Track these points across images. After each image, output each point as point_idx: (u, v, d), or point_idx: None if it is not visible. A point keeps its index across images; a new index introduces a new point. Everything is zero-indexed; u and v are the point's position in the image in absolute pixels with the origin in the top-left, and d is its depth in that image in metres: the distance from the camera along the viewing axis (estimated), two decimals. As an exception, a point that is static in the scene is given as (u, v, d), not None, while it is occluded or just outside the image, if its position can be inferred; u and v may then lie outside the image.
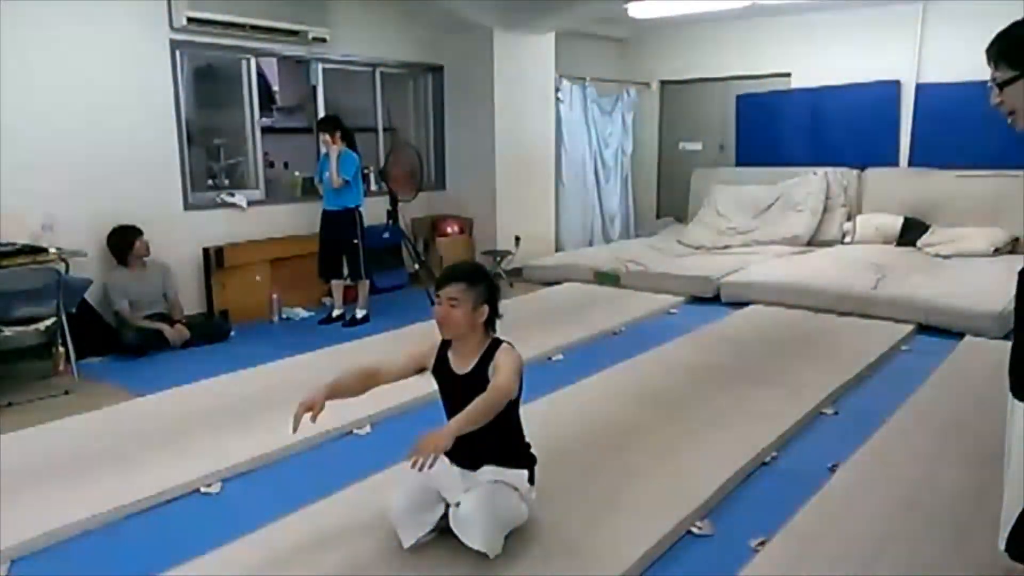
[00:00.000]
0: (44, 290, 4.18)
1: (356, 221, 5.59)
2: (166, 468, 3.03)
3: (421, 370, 2.50)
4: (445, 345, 2.45)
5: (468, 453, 2.36)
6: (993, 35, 1.79)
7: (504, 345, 2.39)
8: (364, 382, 2.47)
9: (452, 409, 2.35)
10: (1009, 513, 1.85)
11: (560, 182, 7.91)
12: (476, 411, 2.18)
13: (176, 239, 5.38)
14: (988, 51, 1.79)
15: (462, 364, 2.40)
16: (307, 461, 3.23)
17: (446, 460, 2.40)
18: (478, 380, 2.32)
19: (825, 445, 3.28)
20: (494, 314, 2.40)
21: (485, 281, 2.38)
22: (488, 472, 2.37)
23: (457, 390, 2.38)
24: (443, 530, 2.38)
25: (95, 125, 4.93)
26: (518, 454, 2.45)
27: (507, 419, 2.35)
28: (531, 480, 2.45)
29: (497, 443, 2.39)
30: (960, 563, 2.30)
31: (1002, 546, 1.89)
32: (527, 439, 2.50)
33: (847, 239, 7.27)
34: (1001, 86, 1.77)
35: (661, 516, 2.57)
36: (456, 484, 2.37)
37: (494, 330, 2.44)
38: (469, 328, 2.35)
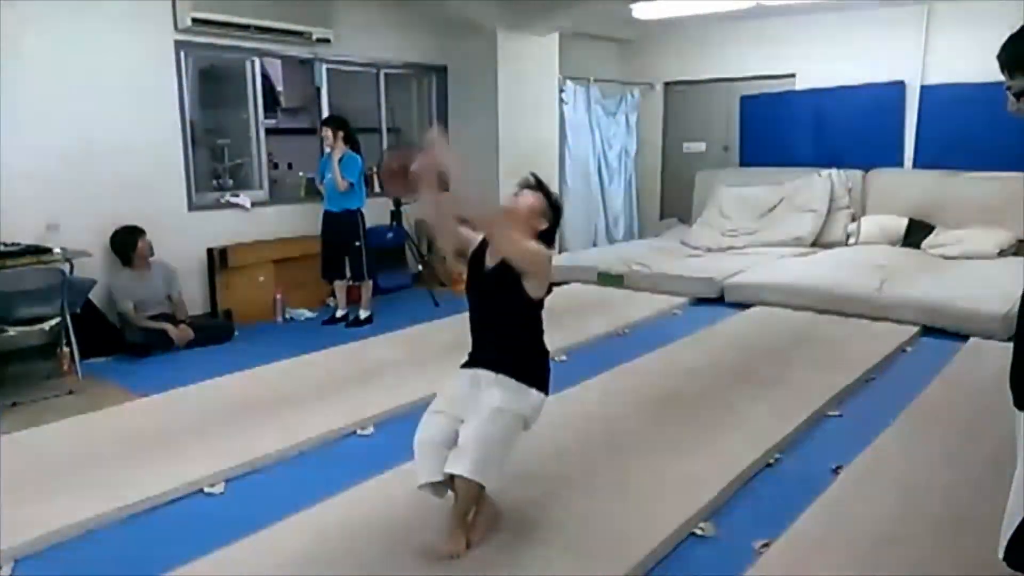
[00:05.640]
0: (49, 290, 4.19)
1: (358, 223, 5.58)
2: (170, 468, 3.03)
3: (465, 252, 2.56)
4: (487, 241, 2.50)
5: (493, 350, 2.43)
6: (999, 37, 1.75)
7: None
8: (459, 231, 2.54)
9: (474, 306, 2.50)
10: (1009, 522, 1.85)
11: (564, 183, 7.89)
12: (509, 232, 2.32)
13: (180, 240, 5.38)
14: (999, 58, 1.74)
15: (493, 260, 2.44)
16: (311, 461, 3.23)
17: (467, 374, 2.45)
18: (503, 274, 2.36)
19: (829, 447, 3.27)
20: (549, 233, 2.49)
21: (556, 205, 2.55)
22: (495, 396, 2.34)
23: (481, 283, 2.47)
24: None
25: (100, 126, 4.94)
26: (534, 365, 2.46)
27: (532, 319, 2.45)
28: (544, 389, 2.47)
29: (518, 345, 2.44)
30: (963, 567, 2.29)
31: (1001, 555, 1.88)
32: (546, 347, 2.53)
33: (851, 240, 7.24)
34: (1018, 95, 1.72)
35: (664, 517, 2.56)
36: (470, 408, 2.36)
37: (551, 246, 2.50)
38: (524, 225, 2.41)
